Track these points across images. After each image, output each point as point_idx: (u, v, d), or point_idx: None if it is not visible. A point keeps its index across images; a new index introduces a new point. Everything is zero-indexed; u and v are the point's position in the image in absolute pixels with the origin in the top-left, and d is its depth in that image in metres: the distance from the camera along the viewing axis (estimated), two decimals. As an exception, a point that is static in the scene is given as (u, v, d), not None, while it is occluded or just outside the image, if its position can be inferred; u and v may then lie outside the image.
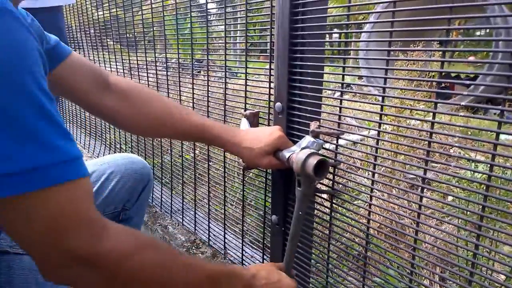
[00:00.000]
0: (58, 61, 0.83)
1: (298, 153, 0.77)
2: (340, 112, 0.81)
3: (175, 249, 0.60)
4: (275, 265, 0.84)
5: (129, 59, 1.90)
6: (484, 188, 0.55)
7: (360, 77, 6.78)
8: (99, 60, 2.29)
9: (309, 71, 0.85)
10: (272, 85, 0.95)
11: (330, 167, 0.83)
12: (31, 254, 0.48)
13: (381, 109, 0.72)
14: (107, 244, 0.49)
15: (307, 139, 0.81)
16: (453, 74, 7.24)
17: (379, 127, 0.73)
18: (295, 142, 0.87)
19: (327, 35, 0.83)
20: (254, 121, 1.00)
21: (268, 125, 1.02)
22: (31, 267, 0.73)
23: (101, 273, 0.49)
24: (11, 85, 0.42)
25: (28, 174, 0.43)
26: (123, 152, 2.19)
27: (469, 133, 2.69)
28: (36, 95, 0.44)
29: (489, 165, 0.55)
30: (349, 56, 0.81)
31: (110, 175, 1.02)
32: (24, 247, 0.48)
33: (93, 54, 2.39)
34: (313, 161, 0.74)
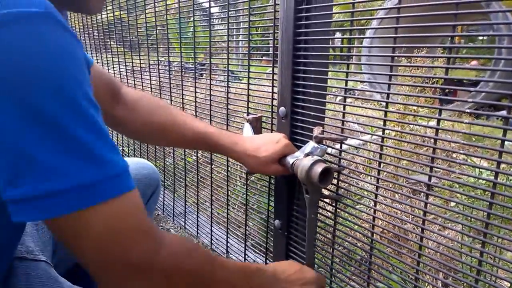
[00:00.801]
0: None
1: (303, 160, 0.78)
2: (343, 117, 0.81)
3: (209, 251, 0.65)
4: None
5: (132, 62, 1.91)
6: (490, 195, 0.55)
7: (363, 82, 6.79)
8: (102, 62, 2.29)
9: (313, 76, 0.85)
10: (275, 89, 0.95)
11: (335, 173, 0.83)
12: (92, 270, 0.48)
13: (385, 115, 0.72)
14: (164, 252, 0.50)
15: (311, 145, 0.81)
16: (455, 80, 7.24)
17: (383, 132, 0.73)
18: (298, 147, 0.87)
19: (330, 40, 0.83)
20: (256, 125, 1.00)
21: (272, 129, 1.02)
22: (49, 274, 0.73)
23: (162, 280, 0.50)
24: (61, 96, 0.41)
25: (84, 190, 0.42)
26: (125, 154, 2.19)
27: (473, 139, 2.69)
28: (85, 107, 0.43)
29: (493, 172, 0.55)
30: (352, 62, 0.81)
31: None
32: (85, 263, 0.47)
33: (96, 56, 2.40)
34: (318, 169, 0.74)
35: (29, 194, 0.40)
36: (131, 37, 1.92)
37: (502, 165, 0.55)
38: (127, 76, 1.99)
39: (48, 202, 0.41)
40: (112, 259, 0.46)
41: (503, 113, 0.54)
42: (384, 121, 0.72)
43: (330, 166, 0.77)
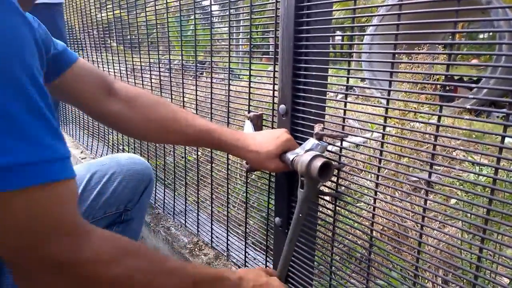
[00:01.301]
0: (65, 67, 0.83)
1: (303, 155, 0.78)
2: (344, 114, 0.81)
3: (161, 255, 0.58)
4: (265, 269, 0.85)
5: (133, 61, 1.91)
6: (489, 191, 0.55)
7: (363, 79, 6.79)
8: (102, 61, 2.29)
9: (314, 73, 0.85)
10: (276, 87, 0.95)
11: (334, 170, 0.83)
12: (5, 257, 0.45)
13: (386, 111, 0.72)
14: (88, 251, 0.47)
15: (311, 142, 0.81)
16: (456, 77, 7.24)
17: (384, 129, 0.73)
18: (299, 145, 0.87)
19: (331, 37, 0.83)
20: (257, 123, 1.00)
21: (272, 127, 1.02)
22: None
23: (80, 282, 0.47)
24: (4, 79, 0.40)
25: (8, 170, 0.40)
26: (116, 147, 2.19)
27: (473, 136, 2.69)
28: (27, 89, 0.42)
29: (493, 168, 0.55)
30: (353, 59, 0.81)
31: (112, 175, 1.02)
32: (1, 249, 0.44)
33: (96, 55, 2.40)
34: (317, 163, 0.74)
35: None
36: (131, 36, 1.92)
37: (503, 162, 0.55)
38: (127, 75, 1.99)
39: None
40: (27, 247, 0.43)
41: (504, 110, 0.54)
42: (385, 118, 0.72)
43: (330, 161, 0.77)
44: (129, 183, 1.04)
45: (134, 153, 2.08)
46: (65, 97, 0.90)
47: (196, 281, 0.59)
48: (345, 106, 0.79)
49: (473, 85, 5.77)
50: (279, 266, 0.87)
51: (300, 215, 0.81)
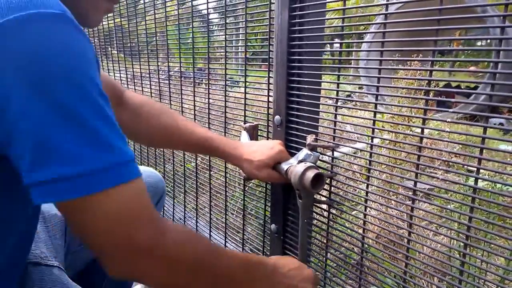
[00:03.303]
0: None
1: (296, 166, 0.81)
2: (335, 125, 0.84)
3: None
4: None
5: (133, 69, 1.94)
6: (471, 200, 0.58)
7: (360, 87, 6.83)
8: (102, 68, 2.33)
9: (306, 86, 0.88)
10: (271, 98, 0.99)
11: (327, 179, 0.86)
12: (97, 252, 0.51)
13: (373, 123, 0.75)
14: (168, 238, 0.53)
15: (304, 152, 0.84)
16: (453, 84, 7.28)
17: (372, 140, 0.76)
18: (293, 155, 0.90)
19: (327, 46, 0.86)
20: (253, 133, 1.03)
21: (267, 137, 1.05)
22: (61, 279, 0.76)
23: (163, 265, 0.53)
24: (74, 88, 0.45)
25: (96, 175, 0.46)
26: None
27: (457, 147, 2.71)
28: (98, 101, 0.47)
29: (482, 177, 0.58)
30: (347, 66, 0.85)
31: None
32: (91, 246, 0.51)
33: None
34: (310, 174, 0.78)
35: (48, 177, 0.44)
36: (131, 44, 1.95)
37: (488, 172, 0.58)
38: (127, 83, 2.02)
39: (63, 185, 0.45)
40: (117, 241, 0.49)
41: (499, 120, 0.57)
42: (373, 130, 0.76)
43: (321, 172, 0.80)
44: None
45: (134, 160, 2.10)
46: None
47: (247, 262, 0.67)
48: (335, 117, 0.82)
49: (472, 91, 5.82)
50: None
51: (305, 220, 0.87)
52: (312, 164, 0.81)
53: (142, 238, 0.50)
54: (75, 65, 0.45)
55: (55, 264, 0.77)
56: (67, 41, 0.45)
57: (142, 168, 1.17)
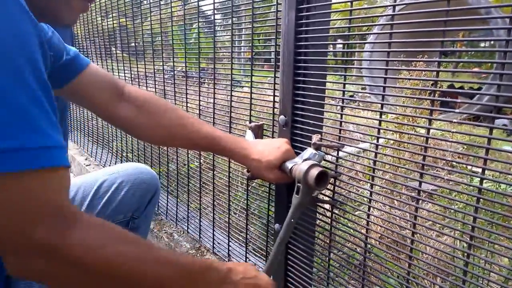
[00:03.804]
0: (77, 72, 0.88)
1: (301, 164, 0.81)
2: (340, 125, 0.84)
3: (151, 243, 0.59)
4: (253, 265, 0.84)
5: (137, 68, 1.95)
6: (476, 200, 0.58)
7: (364, 87, 6.83)
8: (107, 69, 2.33)
9: (312, 86, 0.89)
10: (277, 98, 0.99)
11: (331, 178, 0.86)
12: None
13: (379, 124, 0.75)
14: (75, 235, 0.47)
15: (309, 151, 0.84)
16: (457, 85, 7.27)
17: (377, 140, 0.77)
18: (297, 154, 0.90)
19: (331, 46, 0.87)
20: (258, 133, 1.04)
21: (272, 137, 1.05)
22: None
23: (68, 266, 0.47)
24: (7, 67, 0.43)
25: (5, 153, 0.42)
26: (129, 160, 2.23)
27: (464, 147, 2.71)
28: (29, 80, 0.45)
29: (487, 177, 0.58)
30: (351, 66, 0.85)
31: (120, 184, 1.05)
32: None
33: (101, 63, 2.44)
34: (314, 172, 0.78)
35: None
36: (136, 44, 1.96)
37: (493, 172, 0.58)
38: (132, 82, 2.03)
39: None
40: (17, 230, 0.45)
41: (505, 121, 0.57)
42: (378, 130, 0.76)
43: (326, 170, 0.80)
44: (137, 192, 1.07)
45: (138, 160, 2.11)
46: (78, 101, 0.96)
47: (185, 269, 0.60)
48: (341, 117, 0.83)
49: (476, 92, 5.81)
50: (266, 264, 0.89)
51: (292, 220, 0.85)
52: (317, 162, 0.82)
53: (45, 232, 0.45)
54: (12, 45, 0.43)
55: None
56: (5, 21, 0.43)
57: (136, 165, 1.17)
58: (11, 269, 0.47)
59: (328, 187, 0.91)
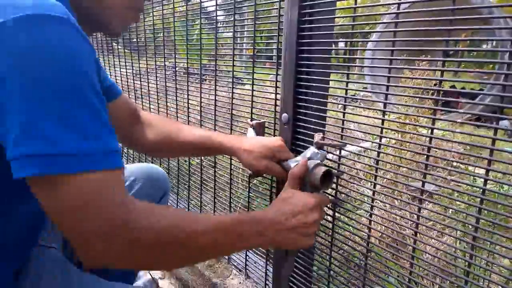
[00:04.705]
0: (112, 98, 0.95)
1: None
2: (343, 123, 0.84)
3: (201, 215, 0.65)
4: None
5: (139, 64, 1.94)
6: (479, 201, 0.58)
7: (365, 86, 6.82)
8: (109, 65, 2.33)
9: (315, 84, 0.88)
10: (278, 96, 0.99)
11: (335, 178, 0.86)
12: (69, 234, 0.52)
13: (382, 123, 0.75)
14: (135, 215, 0.53)
15: (311, 150, 0.84)
16: (459, 86, 7.26)
17: (380, 140, 0.76)
18: (300, 153, 0.90)
19: (333, 45, 0.86)
20: (260, 131, 1.04)
21: (274, 135, 1.05)
22: (58, 258, 0.77)
23: (134, 241, 0.53)
24: (66, 81, 0.49)
25: (77, 156, 0.49)
26: (131, 157, 2.23)
27: (468, 147, 2.71)
28: (90, 97, 0.51)
29: (490, 178, 0.58)
30: (354, 64, 0.84)
31: (133, 182, 1.10)
32: (61, 226, 0.51)
33: (103, 59, 2.43)
34: (319, 171, 0.77)
35: (31, 152, 0.47)
36: (138, 40, 1.96)
37: (495, 173, 0.58)
38: (133, 79, 2.03)
39: (45, 161, 0.47)
40: (88, 218, 0.50)
41: (505, 122, 0.57)
42: (381, 129, 0.75)
43: (332, 169, 0.80)
44: (148, 191, 1.10)
45: (139, 156, 2.11)
46: None
47: (230, 223, 0.63)
48: (344, 116, 0.83)
49: (479, 92, 5.81)
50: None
51: None
52: (321, 162, 0.81)
53: (107, 220, 0.51)
54: (72, 63, 0.49)
55: (53, 246, 0.79)
56: (65, 41, 0.49)
57: (148, 165, 1.19)
58: (82, 254, 0.52)
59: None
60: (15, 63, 0.46)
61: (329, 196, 0.92)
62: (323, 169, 0.78)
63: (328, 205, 0.92)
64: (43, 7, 0.49)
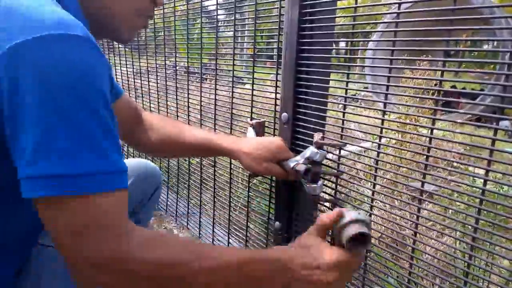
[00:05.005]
0: (113, 100, 0.94)
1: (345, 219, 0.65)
2: (343, 123, 0.84)
3: (205, 247, 0.61)
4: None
5: (140, 63, 1.94)
6: (479, 202, 0.57)
7: (366, 86, 6.81)
8: (114, 66, 2.33)
9: (314, 84, 0.88)
10: (278, 95, 0.99)
11: (330, 176, 0.86)
12: (63, 252, 0.51)
13: (381, 123, 0.75)
14: (135, 248, 0.52)
15: (310, 150, 0.84)
16: (459, 86, 7.25)
17: (380, 139, 0.76)
18: (299, 152, 0.90)
19: (333, 44, 0.86)
20: (260, 130, 1.03)
21: (274, 134, 1.05)
22: (57, 258, 0.77)
23: (126, 277, 0.51)
24: (82, 99, 0.49)
25: (86, 177, 0.48)
26: (129, 155, 2.23)
27: (468, 148, 2.71)
28: (103, 115, 0.51)
29: (488, 178, 0.57)
30: (355, 64, 0.84)
31: None
32: (59, 246, 0.51)
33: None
34: (350, 230, 0.63)
35: (43, 173, 0.47)
36: (138, 39, 1.96)
37: (495, 174, 0.58)
38: (134, 78, 2.03)
39: (55, 182, 0.47)
40: (81, 247, 0.49)
41: (506, 123, 0.56)
42: (381, 129, 0.75)
43: (367, 231, 0.63)
44: (140, 186, 1.09)
45: (139, 154, 2.11)
46: None
47: (243, 262, 0.59)
48: (343, 116, 0.82)
49: (479, 92, 5.80)
50: None
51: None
52: (360, 218, 0.65)
53: (105, 250, 0.50)
54: (87, 80, 0.50)
55: (51, 245, 0.78)
56: (83, 58, 0.50)
57: (139, 160, 1.19)
58: (76, 276, 0.51)
59: (329, 185, 0.91)
60: (34, 80, 0.47)
61: (329, 197, 0.92)
62: (356, 229, 0.62)
63: (329, 205, 0.92)
64: (64, 25, 0.49)
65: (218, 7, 1.28)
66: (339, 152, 0.86)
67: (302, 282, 0.63)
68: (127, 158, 2.21)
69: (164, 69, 1.73)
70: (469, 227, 0.59)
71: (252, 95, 1.12)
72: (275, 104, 1.02)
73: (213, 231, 1.49)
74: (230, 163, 1.30)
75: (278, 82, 0.99)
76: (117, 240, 0.51)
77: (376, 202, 0.80)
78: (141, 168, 1.12)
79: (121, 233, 0.52)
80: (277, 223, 1.05)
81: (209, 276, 0.56)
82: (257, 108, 1.13)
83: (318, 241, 0.67)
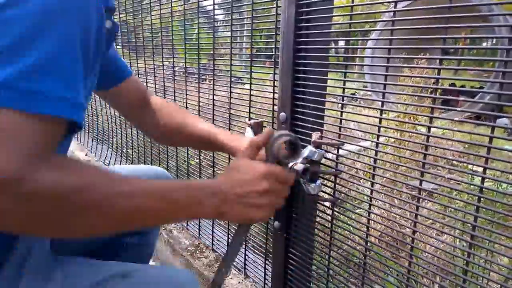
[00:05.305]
0: (122, 79, 0.97)
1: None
2: (340, 122, 0.84)
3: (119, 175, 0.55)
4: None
5: (138, 64, 1.94)
6: (477, 199, 0.57)
7: (365, 85, 6.81)
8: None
9: (312, 83, 0.88)
10: (276, 95, 0.98)
11: (329, 175, 0.86)
12: None
13: (379, 122, 0.74)
14: (45, 171, 0.46)
15: (308, 149, 0.84)
16: (458, 84, 7.26)
17: (377, 138, 0.76)
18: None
19: (332, 43, 0.86)
20: (258, 130, 1.03)
21: (272, 134, 1.05)
22: (41, 247, 0.75)
23: (31, 196, 0.45)
24: (63, 34, 0.48)
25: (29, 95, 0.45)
26: (129, 156, 2.23)
27: (466, 146, 2.71)
28: (76, 46, 0.49)
29: (488, 176, 0.57)
30: (353, 63, 0.84)
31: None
32: None
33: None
34: (281, 139, 0.71)
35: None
36: (136, 40, 1.96)
37: (494, 171, 0.58)
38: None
39: None
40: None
41: (505, 120, 0.56)
42: (379, 128, 0.75)
43: (296, 138, 0.73)
44: None
45: (138, 156, 2.11)
46: (113, 104, 1.08)
47: (164, 189, 0.57)
48: (341, 115, 0.82)
49: (478, 90, 5.81)
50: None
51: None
52: (289, 133, 0.74)
53: (10, 167, 0.43)
54: (71, 12, 0.48)
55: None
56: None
57: (151, 167, 1.19)
58: None
59: (328, 185, 0.91)
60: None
61: (328, 196, 0.92)
62: (285, 138, 0.71)
63: (328, 205, 0.92)
64: None
65: (216, 7, 1.28)
66: (338, 151, 0.86)
67: (233, 202, 0.63)
68: (131, 163, 2.21)
69: (162, 70, 1.73)
70: (469, 225, 0.59)
71: (250, 95, 1.12)
72: (273, 104, 1.02)
73: (213, 231, 1.49)
74: (229, 164, 1.30)
75: (275, 81, 0.99)
76: (20, 159, 0.44)
77: (375, 201, 0.79)
78: (152, 173, 1.13)
79: (33, 154, 0.46)
80: (276, 222, 1.05)
81: (125, 201, 0.52)
82: (255, 108, 1.13)
83: (247, 161, 0.68)
